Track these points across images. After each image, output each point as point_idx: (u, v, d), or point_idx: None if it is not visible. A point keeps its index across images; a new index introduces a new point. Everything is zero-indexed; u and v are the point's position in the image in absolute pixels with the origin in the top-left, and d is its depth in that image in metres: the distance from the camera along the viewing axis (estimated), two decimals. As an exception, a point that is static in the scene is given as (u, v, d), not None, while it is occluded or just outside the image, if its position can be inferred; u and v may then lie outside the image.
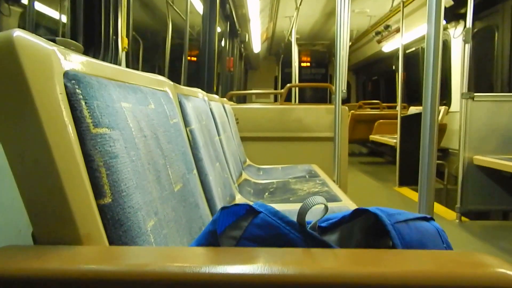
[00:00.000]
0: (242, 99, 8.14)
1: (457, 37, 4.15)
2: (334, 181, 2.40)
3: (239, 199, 1.68)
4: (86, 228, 0.48)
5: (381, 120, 5.86)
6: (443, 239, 0.50)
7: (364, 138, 6.11)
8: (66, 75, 0.51)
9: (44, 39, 0.50)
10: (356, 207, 1.65)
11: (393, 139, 4.67)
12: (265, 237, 0.48)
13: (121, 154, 0.57)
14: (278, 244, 0.47)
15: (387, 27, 6.26)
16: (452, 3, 3.88)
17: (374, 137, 5.65)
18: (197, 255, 0.47)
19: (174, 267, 0.42)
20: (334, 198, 1.70)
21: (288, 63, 7.69)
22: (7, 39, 0.44)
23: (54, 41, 0.65)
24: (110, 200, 0.51)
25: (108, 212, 0.51)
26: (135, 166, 0.61)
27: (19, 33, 0.45)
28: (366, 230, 0.51)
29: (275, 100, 9.19)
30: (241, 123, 3.01)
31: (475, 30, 4.09)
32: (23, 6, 2.42)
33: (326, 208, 0.48)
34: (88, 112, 0.51)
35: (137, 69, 0.89)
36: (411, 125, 3.91)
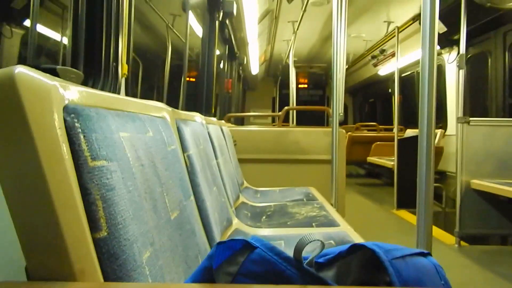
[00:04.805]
0: (240, 120, 8.18)
1: (451, 62, 4.23)
2: (331, 204, 2.39)
3: (236, 223, 1.66)
4: (81, 263, 0.48)
5: (378, 142, 5.89)
6: (440, 275, 0.50)
7: (361, 159, 6.13)
8: (66, 109, 0.51)
9: (45, 74, 0.50)
10: (355, 232, 1.61)
11: (390, 161, 4.69)
12: (262, 273, 0.47)
13: (118, 185, 0.56)
14: (274, 281, 0.47)
15: (382, 51, 6.38)
16: (445, 29, 3.97)
17: (372, 159, 5.67)
18: (193, 292, 0.47)
19: (169, 306, 0.41)
20: (332, 223, 1.68)
21: (285, 84, 7.78)
22: (9, 75, 0.45)
23: (55, 69, 0.66)
24: (106, 233, 0.51)
25: (103, 246, 0.50)
26: (132, 197, 0.61)
27: (21, 70, 0.46)
28: (363, 265, 0.51)
29: (273, 121, 9.25)
30: (239, 145, 3.02)
31: (469, 55, 4.17)
32: (25, 28, 2.46)
33: (323, 244, 0.48)
34: (87, 145, 0.51)
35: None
36: (408, 147, 3.93)
